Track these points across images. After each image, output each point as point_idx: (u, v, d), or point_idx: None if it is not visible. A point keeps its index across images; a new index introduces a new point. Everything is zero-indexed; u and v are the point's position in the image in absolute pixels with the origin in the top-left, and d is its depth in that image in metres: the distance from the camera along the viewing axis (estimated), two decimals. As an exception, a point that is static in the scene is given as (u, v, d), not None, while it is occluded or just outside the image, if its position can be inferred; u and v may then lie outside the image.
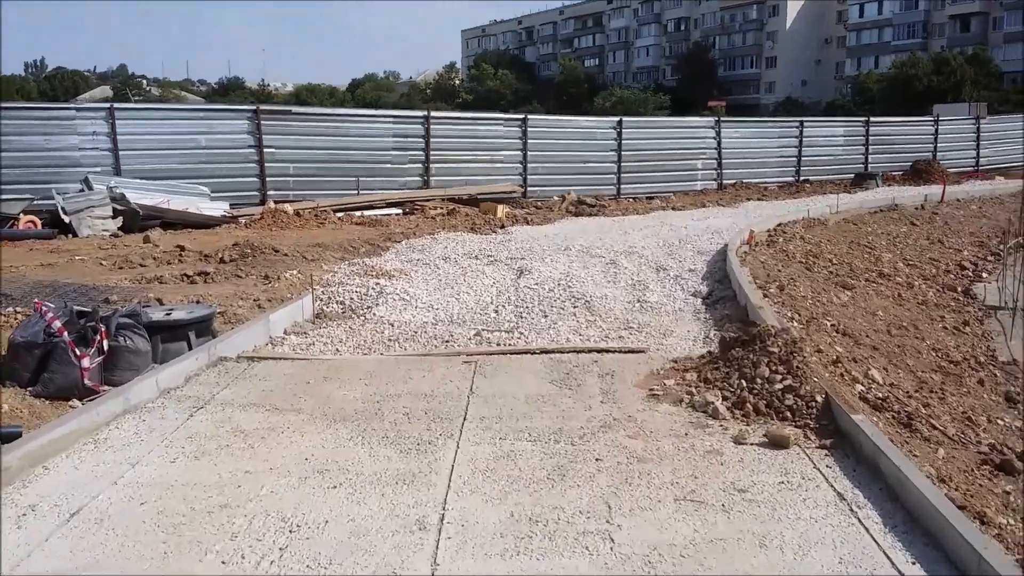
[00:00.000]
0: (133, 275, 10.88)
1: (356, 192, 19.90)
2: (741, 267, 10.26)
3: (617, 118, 24.95)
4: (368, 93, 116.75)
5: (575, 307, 9.33)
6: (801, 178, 27.42)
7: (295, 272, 10.89)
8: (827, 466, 4.68)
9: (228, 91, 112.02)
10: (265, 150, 19.36)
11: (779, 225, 14.89)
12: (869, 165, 29.05)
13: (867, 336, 8.81)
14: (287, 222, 16.86)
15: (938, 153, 30.81)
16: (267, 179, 19.38)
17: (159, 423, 5.53)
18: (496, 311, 9.28)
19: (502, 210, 19.25)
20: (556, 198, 22.24)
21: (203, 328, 7.52)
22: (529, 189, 22.36)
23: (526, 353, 7.32)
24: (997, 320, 11.58)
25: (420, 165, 20.97)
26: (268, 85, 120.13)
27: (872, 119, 30.22)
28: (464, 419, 5.47)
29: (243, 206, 18.49)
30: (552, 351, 7.38)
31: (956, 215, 17.52)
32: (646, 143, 24.44)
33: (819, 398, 5.36)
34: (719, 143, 25.73)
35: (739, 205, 21.28)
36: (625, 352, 7.40)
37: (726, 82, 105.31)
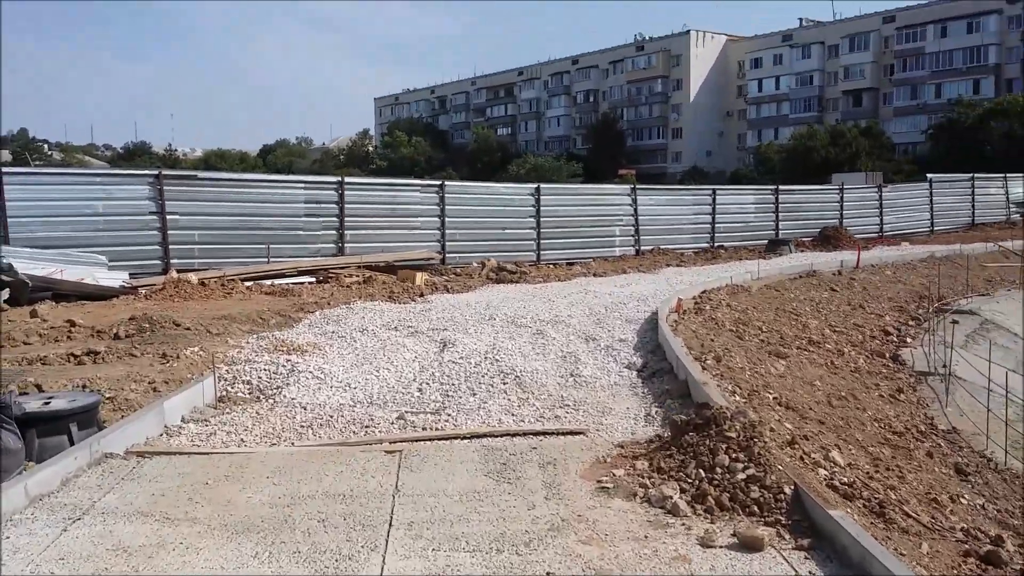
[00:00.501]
0: (13, 355, 9.77)
1: (266, 260, 18.98)
2: (674, 337, 9.81)
3: (535, 184, 24.72)
4: (280, 159, 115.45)
5: (504, 383, 8.67)
6: (716, 244, 27.64)
7: (197, 349, 9.95)
8: (810, 572, 4.09)
9: (134, 156, 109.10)
10: (168, 216, 18.32)
11: (704, 292, 14.64)
12: (780, 231, 29.53)
13: (810, 409, 8.40)
14: (191, 292, 15.81)
15: (844, 219, 31.59)
16: (170, 247, 18.30)
17: (26, 541, 4.61)
18: (420, 390, 8.54)
19: (421, 277, 18.58)
20: (475, 264, 21.71)
21: (87, 419, 6.57)
22: (448, 255, 21.78)
23: (456, 438, 6.61)
24: (929, 386, 11.41)
25: (334, 232, 20.20)
26: (176, 150, 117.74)
27: (781, 187, 30.86)
28: (390, 525, 4.71)
29: (144, 276, 17.35)
30: (483, 435, 6.70)
31: (872, 280, 17.64)
32: (565, 209, 24.24)
33: (787, 489, 4.81)
34: (636, 210, 25.75)
35: (659, 271, 21.11)
36: (564, 434, 6.77)
37: (634, 152, 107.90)
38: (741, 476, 4.89)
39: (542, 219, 23.57)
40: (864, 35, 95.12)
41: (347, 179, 21.02)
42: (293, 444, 6.68)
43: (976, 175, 37.55)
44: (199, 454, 6.24)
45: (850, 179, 56.65)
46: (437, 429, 7.04)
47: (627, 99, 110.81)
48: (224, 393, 8.45)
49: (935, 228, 35.15)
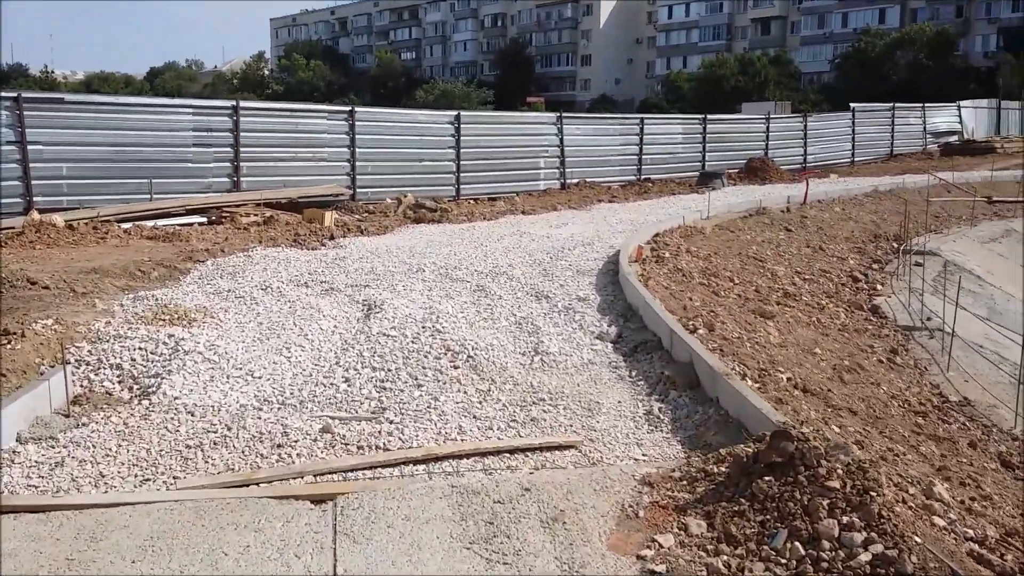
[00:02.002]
0: None
1: (149, 197, 16.43)
2: (652, 297, 8.12)
3: (455, 112, 22.53)
4: (169, 83, 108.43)
5: (455, 366, 6.84)
6: (643, 176, 26.10)
7: (51, 322, 7.73)
8: None
9: (7, 79, 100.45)
10: (30, 147, 15.51)
11: (656, 235, 13.01)
12: (707, 163, 28.21)
13: (829, 391, 6.87)
14: (56, 238, 13.32)
15: (770, 151, 30.49)
16: (32, 183, 15.53)
17: None
18: (347, 379, 6.61)
19: (330, 217, 16.40)
20: (389, 200, 19.56)
21: None
22: (359, 191, 19.55)
23: (409, 463, 4.79)
24: (919, 343, 10.12)
25: (228, 164, 17.69)
26: (53, 72, 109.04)
27: (709, 116, 29.43)
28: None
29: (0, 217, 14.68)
30: (446, 456, 4.89)
31: (823, 218, 16.40)
32: (487, 139, 22.18)
33: None
34: (561, 140, 23.88)
35: (591, 208, 19.44)
36: (551, 449, 5.03)
37: (543, 79, 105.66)
38: (864, 556, 3.24)
39: (462, 150, 21.48)
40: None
41: (243, 103, 18.40)
42: (175, 482, 4.71)
43: (896, 105, 36.97)
44: (28, 510, 4.21)
45: (759, 108, 56.02)
46: (379, 446, 5.17)
47: (536, 24, 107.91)
48: (83, 388, 6.37)
49: (856, 159, 34.53)
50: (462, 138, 21.45)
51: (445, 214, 18.02)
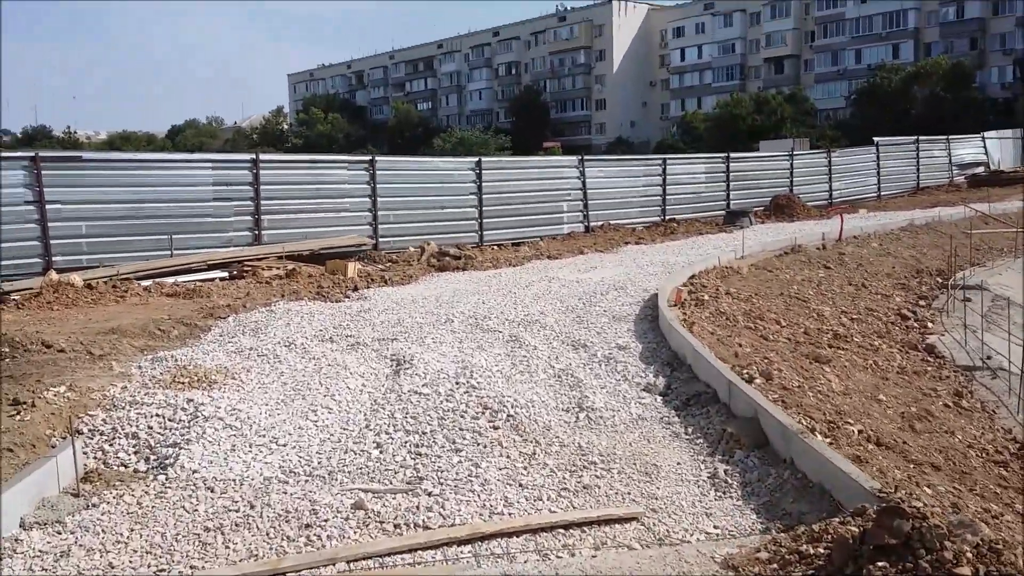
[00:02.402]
0: None
1: (169, 253, 16.13)
2: (701, 345, 7.58)
3: (475, 158, 22.29)
4: (190, 140, 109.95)
5: (495, 426, 6.31)
6: (667, 217, 25.66)
7: (64, 389, 7.29)
8: None
9: (32, 140, 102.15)
10: (48, 206, 15.30)
11: (692, 278, 12.50)
12: (731, 201, 27.75)
13: (905, 443, 6.29)
14: (74, 298, 12.99)
15: (795, 187, 30.01)
16: (51, 242, 15.28)
17: None
18: (378, 444, 6.10)
19: (353, 267, 16.02)
20: (412, 249, 19.19)
21: None
22: (381, 240, 19.21)
23: (452, 544, 4.25)
24: (983, 385, 9.49)
25: (249, 217, 17.40)
26: (75, 133, 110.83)
27: (732, 155, 29.05)
28: None
29: (19, 278, 14.37)
30: (494, 535, 4.35)
31: (861, 254, 15.83)
32: (508, 184, 21.85)
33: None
34: (584, 183, 23.52)
35: (618, 250, 18.96)
36: (610, 522, 4.49)
37: (558, 124, 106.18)
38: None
39: (484, 196, 21.15)
40: (785, 2, 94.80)
41: (263, 156, 18.20)
42: (193, 573, 4.20)
43: (920, 138, 36.46)
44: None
45: (777, 146, 55.75)
46: (418, 524, 4.64)
47: (550, 71, 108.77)
48: (97, 460, 5.91)
49: (882, 193, 33.96)
50: (484, 184, 21.14)
51: (470, 261, 17.61)
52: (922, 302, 13.19)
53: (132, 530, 4.71)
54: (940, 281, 14.75)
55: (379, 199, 19.23)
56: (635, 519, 4.63)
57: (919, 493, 4.60)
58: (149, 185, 16.51)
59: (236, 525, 4.74)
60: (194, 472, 5.58)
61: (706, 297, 10.83)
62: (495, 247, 20.79)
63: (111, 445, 6.30)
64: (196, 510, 4.98)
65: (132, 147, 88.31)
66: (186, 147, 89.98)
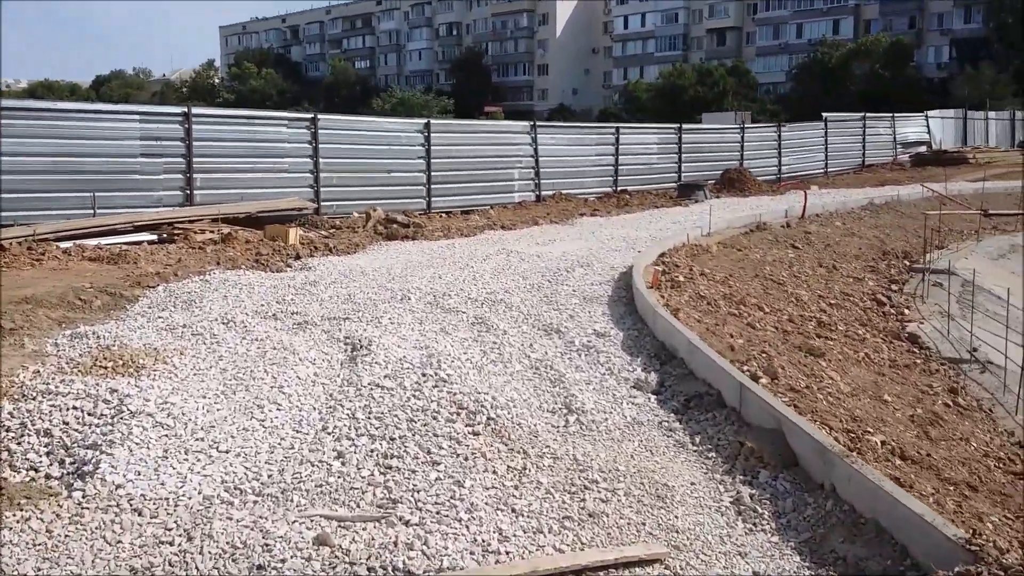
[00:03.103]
0: None
1: (92, 212, 14.78)
2: (696, 337, 6.83)
3: (424, 120, 21.23)
4: (115, 91, 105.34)
5: (474, 432, 5.47)
6: (619, 188, 24.96)
7: (-40, 374, 6.21)
8: None
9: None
10: (-46, 158, 13.84)
11: (662, 255, 11.79)
12: (683, 174, 27.19)
13: (927, 454, 5.66)
14: (-18, 260, 11.70)
15: (745, 161, 29.60)
16: (-43, 198, 13.86)
17: None
18: (339, 453, 5.19)
19: (295, 234, 14.90)
20: (357, 215, 18.09)
21: None
22: (323, 204, 18.05)
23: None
24: (973, 381, 9.00)
25: (181, 176, 16.09)
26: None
27: (684, 126, 28.44)
28: None
29: (-80, 236, 12.95)
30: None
31: (826, 233, 15.35)
32: (459, 149, 20.83)
33: None
34: (536, 150, 22.63)
35: (574, 222, 18.19)
36: (629, 565, 3.71)
37: (500, 88, 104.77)
38: None
39: (433, 160, 20.10)
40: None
41: (195, 110, 16.82)
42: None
43: (867, 115, 36.41)
44: None
45: (719, 119, 55.68)
46: (398, 568, 3.78)
47: (492, 33, 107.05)
48: (2, 461, 4.90)
49: (829, 169, 33.84)
50: (432, 148, 20.08)
51: (419, 230, 16.62)
52: (893, 286, 12.73)
53: (38, 572, 3.75)
54: (908, 264, 14.35)
55: (321, 160, 18.06)
56: (658, 561, 3.87)
57: (984, 530, 3.92)
58: (70, 138, 15.07)
59: (170, 565, 3.82)
60: (117, 487, 4.62)
61: (681, 278, 10.12)
62: (444, 215, 19.83)
63: (19, 444, 5.31)
64: (120, 542, 4.04)
65: (55, 97, 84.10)
66: (111, 98, 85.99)
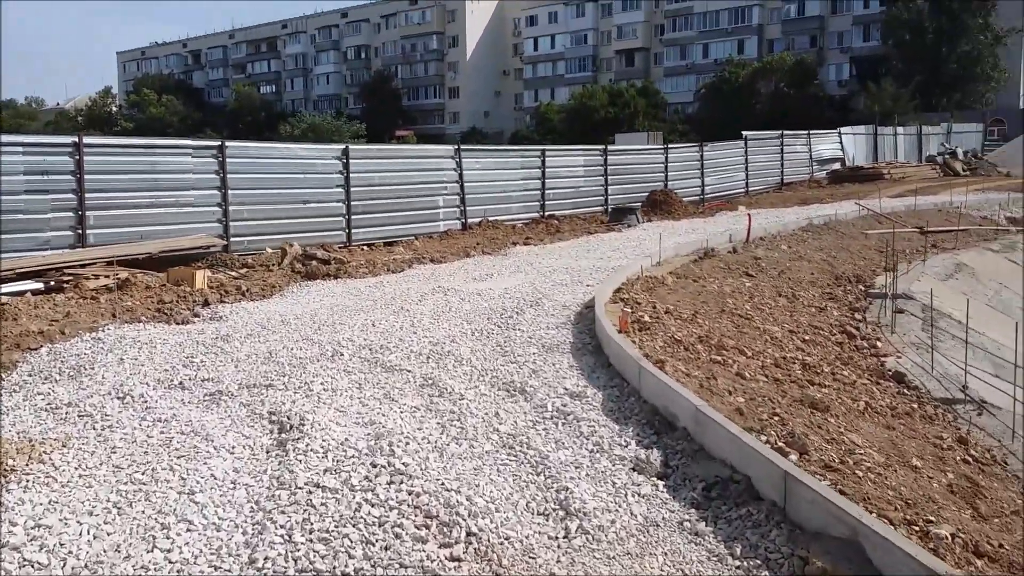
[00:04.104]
0: None
1: (-36, 259, 12.95)
2: (698, 400, 5.72)
3: (342, 146, 19.81)
4: (5, 121, 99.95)
5: (452, 556, 4.21)
6: (546, 213, 24.00)
7: None
8: None
9: None
10: None
11: (617, 290, 10.72)
12: (609, 196, 26.43)
13: (998, 546, 4.66)
14: None
15: (670, 182, 29.08)
16: None
17: None
18: (278, 603, 3.90)
19: (202, 277, 13.35)
20: (271, 250, 16.59)
21: None
22: (233, 240, 16.49)
23: None
24: (975, 426, 8.16)
25: (71, 214, 14.32)
26: None
27: (609, 148, 27.73)
28: None
29: None
30: None
31: (775, 259, 14.57)
32: (380, 176, 19.51)
33: None
34: (461, 175, 21.47)
35: (508, 253, 17.04)
36: None
37: (411, 112, 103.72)
38: None
39: (352, 189, 18.72)
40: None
41: (87, 140, 15.06)
42: None
43: (784, 132, 36.49)
44: None
45: (631, 139, 55.70)
46: None
47: (401, 56, 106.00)
48: None
49: (749, 188, 33.66)
50: (352, 175, 18.72)
51: (342, 266, 15.21)
52: (856, 315, 11.96)
53: None
54: (864, 289, 13.67)
55: (230, 192, 16.50)
56: None
57: None
58: (-62, 174, 13.25)
59: None
60: None
61: (646, 318, 9.05)
62: (365, 247, 18.48)
63: None
64: None
65: (-65, 127, 79.07)
66: (1, 129, 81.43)
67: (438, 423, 6.21)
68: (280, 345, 8.93)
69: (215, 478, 5.27)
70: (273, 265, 15.55)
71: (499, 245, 18.17)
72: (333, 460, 5.43)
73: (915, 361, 9.96)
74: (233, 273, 14.66)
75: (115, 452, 5.76)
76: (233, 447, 5.82)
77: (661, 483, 5.08)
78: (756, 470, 4.71)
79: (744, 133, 34.44)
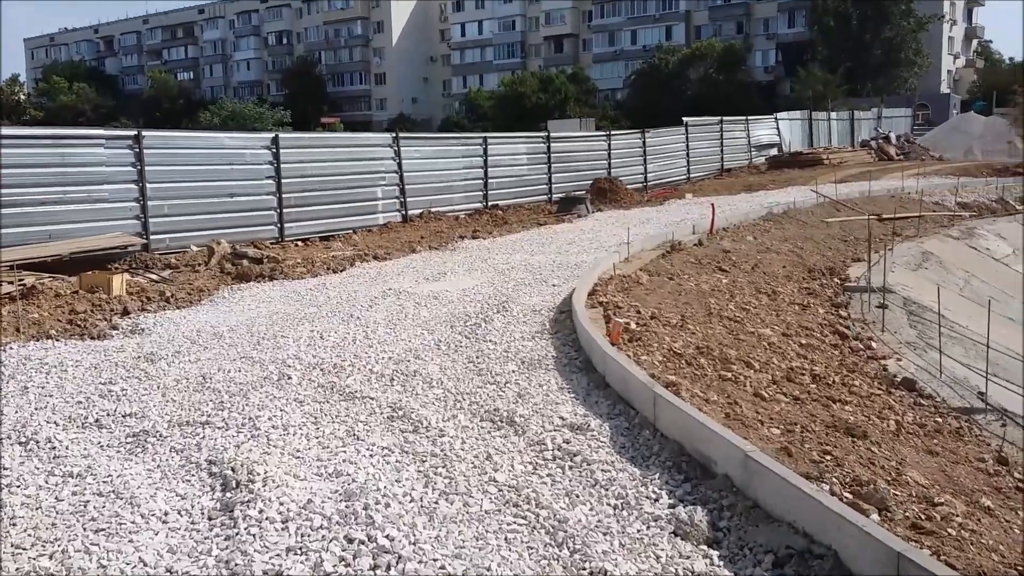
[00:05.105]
0: None
1: None
2: (757, 451, 4.70)
3: (271, 134, 18.37)
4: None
5: None
6: (490, 203, 22.94)
7: None
8: None
9: None
10: None
11: (592, 293, 9.71)
12: (553, 185, 25.48)
13: None
14: None
15: (613, 170, 28.28)
16: None
17: None
18: None
19: (120, 281, 11.91)
20: (196, 249, 15.17)
21: None
22: (154, 238, 15.00)
23: None
24: (997, 436, 7.40)
25: (-35, 213, 12.73)
26: None
27: (552, 135, 26.76)
28: None
29: None
30: None
31: (743, 251, 13.76)
32: (314, 167, 18.14)
33: None
34: (400, 164, 20.22)
35: (456, 248, 15.91)
36: None
37: (336, 98, 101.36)
38: None
39: (284, 180, 17.33)
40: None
41: (-15, 130, 13.41)
42: None
43: (724, 118, 36.05)
44: None
45: (564, 126, 55.04)
46: None
47: (325, 42, 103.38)
48: None
49: (691, 175, 33.14)
50: (283, 166, 17.32)
51: (276, 265, 13.88)
52: (842, 312, 11.21)
53: None
54: (839, 282, 12.97)
55: (149, 185, 15.01)
56: None
57: None
58: None
59: None
60: None
61: (633, 325, 8.06)
62: (300, 243, 17.15)
63: None
64: None
65: None
66: None
67: (419, 471, 5.09)
68: (215, 366, 7.66)
69: (145, 564, 4.06)
70: (199, 265, 14.15)
71: (445, 239, 17.01)
72: (296, 533, 4.27)
73: (918, 364, 9.21)
74: (155, 276, 13.22)
75: (14, 525, 4.50)
76: (166, 514, 4.61)
77: (715, 553, 4.06)
78: (845, 542, 3.71)
79: (685, 119, 33.88)
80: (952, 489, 5.14)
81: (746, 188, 27.99)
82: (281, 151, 17.32)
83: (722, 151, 35.48)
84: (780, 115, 40.74)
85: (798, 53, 74.36)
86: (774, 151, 38.67)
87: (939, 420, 7.33)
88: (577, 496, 4.71)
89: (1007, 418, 7.76)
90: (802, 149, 38.92)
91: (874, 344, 9.87)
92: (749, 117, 38.35)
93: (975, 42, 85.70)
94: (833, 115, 44.86)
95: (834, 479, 4.57)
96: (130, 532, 4.39)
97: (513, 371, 7.16)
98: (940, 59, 73.75)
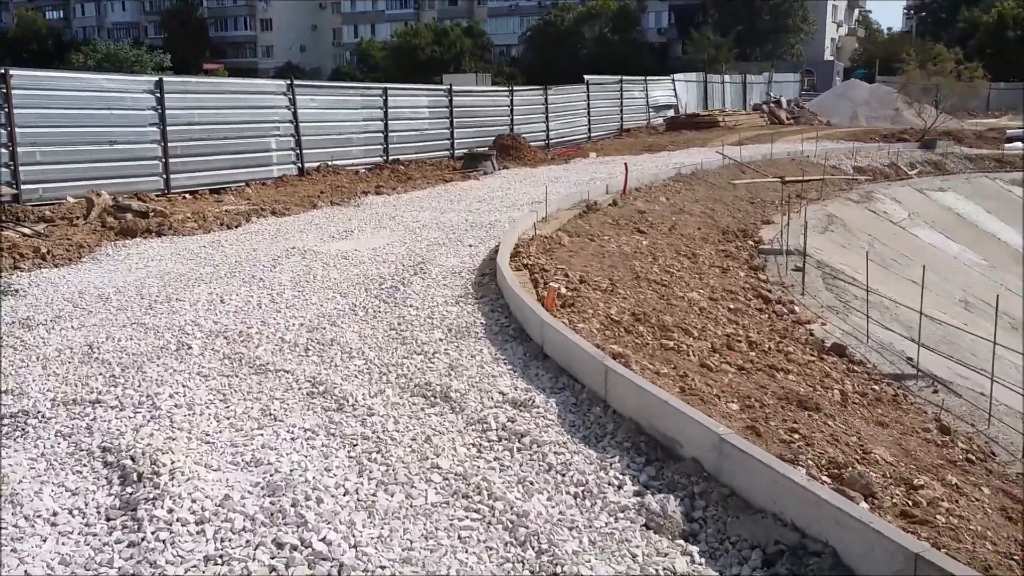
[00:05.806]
0: None
1: None
2: (732, 434, 4.31)
3: (155, 77, 17.00)
4: None
5: None
6: (391, 157, 22.06)
7: None
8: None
9: None
10: None
11: (515, 255, 9.20)
12: (455, 140, 24.76)
13: None
14: None
15: (515, 127, 27.72)
16: None
17: None
18: None
19: (-15, 236, 10.71)
20: (73, 200, 13.87)
21: None
22: (25, 188, 13.63)
23: None
24: (926, 401, 7.32)
25: None
26: None
27: (455, 88, 25.93)
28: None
29: None
30: None
31: (658, 212, 13.49)
32: (201, 114, 16.86)
33: None
34: (295, 113, 19.11)
35: (361, 204, 15.12)
36: None
37: (219, 44, 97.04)
38: None
39: (170, 128, 16.05)
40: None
41: None
42: None
43: (624, 78, 35.88)
44: None
45: (460, 80, 53.97)
46: None
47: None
48: None
49: (592, 134, 32.90)
50: (168, 112, 16.03)
51: (164, 220, 12.83)
52: (761, 275, 11.09)
53: None
54: (753, 244, 12.89)
55: (19, 130, 13.59)
56: None
57: None
58: None
59: None
60: None
61: (563, 290, 7.61)
62: (188, 195, 15.96)
63: None
64: None
65: None
66: None
67: (350, 457, 4.52)
68: (102, 333, 6.82)
69: (30, 582, 3.38)
70: (78, 218, 12.95)
71: (347, 194, 16.17)
72: (215, 538, 3.65)
73: (842, 328, 9.14)
74: (27, 230, 12.00)
75: None
76: (55, 514, 3.90)
77: (695, 549, 3.66)
78: (846, 538, 3.37)
79: (586, 77, 33.54)
80: (915, 465, 4.92)
81: (647, 149, 27.90)
82: (166, 96, 16.01)
83: (622, 111, 35.34)
84: (677, 76, 40.89)
85: (690, 16, 75.22)
86: (671, 112, 38.82)
87: (876, 388, 7.20)
88: (532, 484, 4.24)
89: (936, 384, 7.73)
90: (698, 111, 39.21)
91: (797, 308, 9.76)
92: (648, 78, 38.31)
93: (856, 11, 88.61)
94: (727, 78, 45.39)
95: (809, 460, 4.24)
96: (12, 540, 3.68)
97: (440, 339, 6.61)
98: (824, 27, 75.87)
